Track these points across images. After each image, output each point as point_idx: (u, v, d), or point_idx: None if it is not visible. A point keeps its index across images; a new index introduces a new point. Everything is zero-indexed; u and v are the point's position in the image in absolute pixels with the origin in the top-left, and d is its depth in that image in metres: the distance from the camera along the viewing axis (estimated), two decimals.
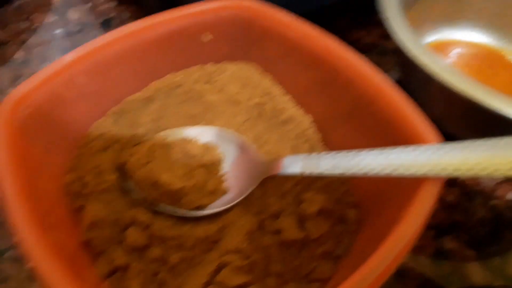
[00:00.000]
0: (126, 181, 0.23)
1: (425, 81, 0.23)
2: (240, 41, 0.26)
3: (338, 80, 0.23)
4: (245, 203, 0.23)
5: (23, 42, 0.35)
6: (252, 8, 0.25)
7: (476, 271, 0.23)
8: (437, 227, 0.25)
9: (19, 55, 0.34)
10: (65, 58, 0.21)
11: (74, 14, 0.37)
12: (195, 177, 0.23)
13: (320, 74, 0.24)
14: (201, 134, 0.25)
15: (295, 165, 0.21)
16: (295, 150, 0.25)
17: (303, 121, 0.25)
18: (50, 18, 0.37)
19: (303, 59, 0.24)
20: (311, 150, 0.25)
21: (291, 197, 0.23)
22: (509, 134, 0.25)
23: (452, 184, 0.27)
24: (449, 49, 0.32)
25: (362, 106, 0.22)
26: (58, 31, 0.35)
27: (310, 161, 0.20)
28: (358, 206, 0.23)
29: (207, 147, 0.24)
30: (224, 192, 0.23)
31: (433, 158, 0.17)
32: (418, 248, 0.24)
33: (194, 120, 0.25)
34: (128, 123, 0.25)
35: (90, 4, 0.38)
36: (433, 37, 0.32)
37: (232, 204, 0.23)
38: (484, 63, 0.32)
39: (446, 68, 0.22)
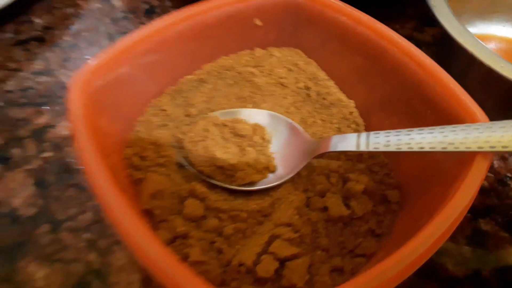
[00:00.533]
0: (183, 157, 0.24)
1: (469, 66, 0.24)
2: (287, 27, 0.27)
3: (387, 64, 0.24)
4: (293, 181, 0.24)
5: (70, 27, 0.36)
6: None
7: (511, 253, 0.24)
8: (473, 211, 0.26)
9: (66, 39, 0.35)
10: (131, 36, 0.23)
11: (118, 2, 0.38)
12: (247, 155, 0.24)
13: (368, 59, 0.25)
14: (250, 116, 0.26)
15: (346, 143, 0.22)
16: (340, 132, 0.26)
17: (347, 105, 0.26)
18: (95, 4, 0.38)
19: (351, 43, 0.25)
20: (355, 132, 0.26)
21: (336, 177, 0.24)
22: None
23: None
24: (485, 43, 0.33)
25: (410, 89, 0.23)
26: (103, 17, 0.37)
27: (362, 139, 0.21)
28: (399, 188, 0.24)
29: (256, 128, 0.25)
30: (273, 170, 0.24)
31: (483, 135, 0.18)
32: (455, 230, 0.25)
33: (243, 101, 0.27)
34: (183, 102, 0.26)
35: None
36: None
37: (281, 181, 0.24)
38: None
39: (491, 53, 0.23)
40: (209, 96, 0.27)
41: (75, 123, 0.19)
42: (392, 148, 0.20)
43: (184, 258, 0.21)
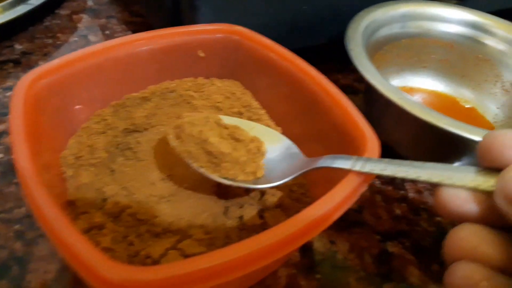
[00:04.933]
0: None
1: (386, 109, 0.27)
2: (228, 61, 0.31)
3: (304, 95, 0.27)
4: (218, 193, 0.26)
5: (46, 54, 0.40)
6: (241, 32, 0.30)
7: (414, 273, 0.26)
8: (383, 233, 0.28)
9: (41, 63, 0.39)
10: (80, 51, 0.26)
11: (94, 38, 0.43)
12: (239, 153, 0.24)
13: (291, 90, 0.28)
14: (252, 129, 0.26)
15: (340, 162, 0.21)
16: None
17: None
18: (73, 38, 0.43)
19: (278, 76, 0.29)
20: None
21: (256, 192, 0.27)
22: (456, 153, 0.29)
23: (401, 200, 0.30)
24: (409, 95, 0.37)
25: (321, 115, 0.26)
26: (78, 49, 0.41)
27: (355, 161, 0.21)
28: None
29: (254, 139, 0.26)
30: (260, 177, 0.24)
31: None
32: (362, 249, 0.27)
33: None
34: (125, 116, 0.29)
35: (108, 32, 0.44)
36: (395, 83, 0.37)
37: (265, 186, 0.24)
38: (441, 109, 0.36)
39: (406, 97, 0.26)
40: (151, 113, 0.29)
41: (13, 120, 0.21)
42: (388, 172, 0.20)
43: (95, 245, 0.22)
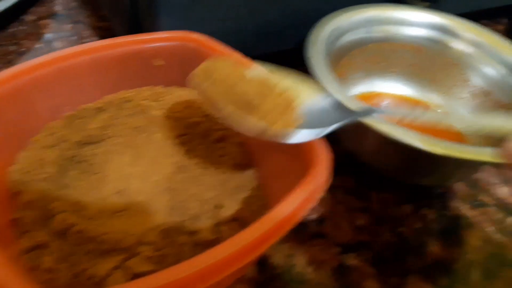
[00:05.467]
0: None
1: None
2: (188, 68, 0.30)
3: None
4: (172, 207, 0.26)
5: (9, 61, 0.39)
6: (197, 39, 0.29)
7: (372, 287, 0.25)
8: (344, 245, 0.27)
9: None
10: (33, 60, 0.25)
11: (59, 44, 0.42)
12: (274, 101, 0.22)
13: None
14: (283, 80, 0.24)
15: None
16: (220, 163, 0.28)
17: (235, 140, 0.29)
18: (38, 45, 0.42)
19: None
20: (235, 165, 0.28)
21: (211, 204, 0.26)
22: (417, 165, 0.29)
23: (365, 210, 0.30)
24: (378, 100, 0.36)
25: None
26: (41, 55, 0.40)
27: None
28: None
29: (287, 88, 0.23)
30: (295, 124, 0.22)
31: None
32: (320, 262, 0.26)
33: (138, 131, 0.29)
34: (78, 127, 0.28)
35: (75, 37, 0.43)
36: (363, 89, 0.36)
37: (308, 136, 0.22)
38: None
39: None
40: (107, 124, 0.29)
41: None
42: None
43: (37, 266, 0.22)
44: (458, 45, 0.35)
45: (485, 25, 0.56)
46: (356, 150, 0.30)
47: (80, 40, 0.43)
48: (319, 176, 0.21)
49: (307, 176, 0.21)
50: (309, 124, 0.23)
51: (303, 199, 0.20)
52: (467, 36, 0.35)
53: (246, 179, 0.28)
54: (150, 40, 0.29)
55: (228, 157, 0.28)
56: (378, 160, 0.29)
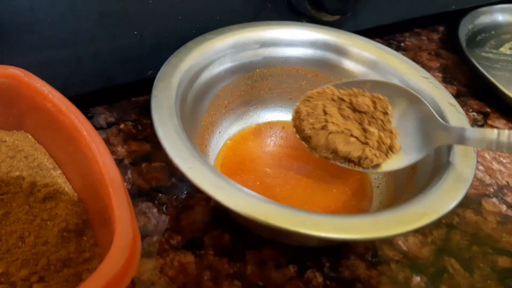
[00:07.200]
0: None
1: None
2: (13, 109, 0.25)
3: (81, 162, 0.21)
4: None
5: None
6: (17, 76, 0.23)
7: None
8: None
9: None
10: None
11: None
12: (369, 138, 0.24)
13: (72, 146, 0.22)
14: (365, 84, 0.25)
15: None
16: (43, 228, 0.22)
17: (69, 198, 0.23)
18: None
19: (58, 130, 0.22)
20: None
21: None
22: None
23: (236, 276, 0.24)
24: (272, 130, 0.31)
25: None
26: None
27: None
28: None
29: (375, 100, 0.25)
30: (398, 149, 0.24)
31: None
32: None
33: None
34: None
35: None
36: (253, 122, 0.31)
37: (407, 163, 0.24)
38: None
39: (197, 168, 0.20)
40: None
41: None
42: None
43: None
44: (349, 65, 0.30)
45: (418, 34, 0.53)
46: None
47: None
48: (112, 264, 0.16)
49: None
50: (406, 141, 0.24)
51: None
52: (364, 55, 0.30)
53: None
54: None
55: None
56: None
